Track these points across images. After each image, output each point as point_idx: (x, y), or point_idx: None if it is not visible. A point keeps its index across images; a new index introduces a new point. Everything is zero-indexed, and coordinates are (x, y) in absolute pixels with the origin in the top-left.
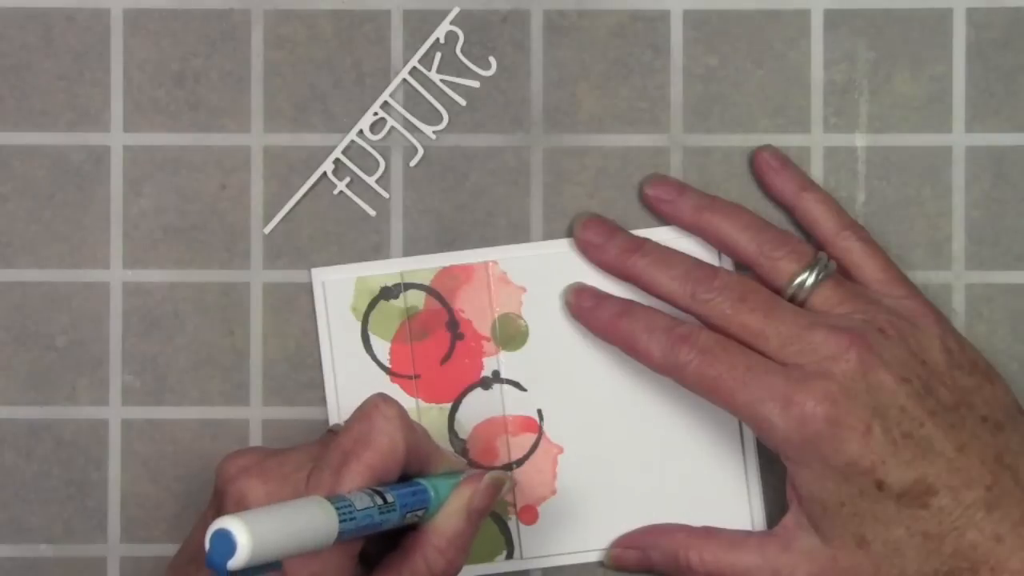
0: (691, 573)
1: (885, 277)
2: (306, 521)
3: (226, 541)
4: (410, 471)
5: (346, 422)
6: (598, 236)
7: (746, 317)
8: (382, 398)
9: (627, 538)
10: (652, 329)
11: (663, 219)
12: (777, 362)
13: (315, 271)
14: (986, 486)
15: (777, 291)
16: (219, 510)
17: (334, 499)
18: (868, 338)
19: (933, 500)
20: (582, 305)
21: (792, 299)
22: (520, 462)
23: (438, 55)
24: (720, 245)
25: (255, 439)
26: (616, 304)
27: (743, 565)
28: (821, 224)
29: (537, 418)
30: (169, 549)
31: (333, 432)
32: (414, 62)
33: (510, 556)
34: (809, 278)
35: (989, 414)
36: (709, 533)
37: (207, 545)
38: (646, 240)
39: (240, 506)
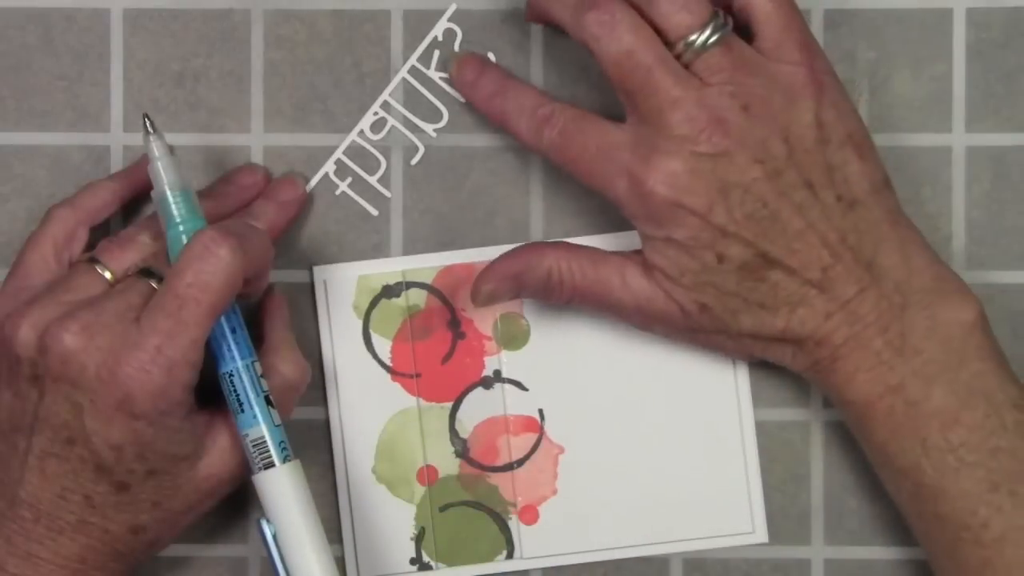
0: (561, 289)
1: (782, 38)
2: None
3: None
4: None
5: (175, 264)
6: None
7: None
8: (211, 238)
9: (499, 268)
10: (520, 109)
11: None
12: (639, 125)
13: (316, 269)
14: (823, 267)
15: (667, 46)
16: (36, 378)
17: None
18: (726, 121)
19: (770, 274)
20: (464, 79)
21: (679, 58)
22: (521, 462)
23: (436, 53)
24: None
25: None
26: (493, 81)
27: (608, 285)
28: None
29: (538, 418)
30: (173, 549)
31: (133, 278)
32: (413, 60)
33: (510, 556)
34: (699, 38)
35: (845, 192)
36: (574, 247)
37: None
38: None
39: (68, 367)
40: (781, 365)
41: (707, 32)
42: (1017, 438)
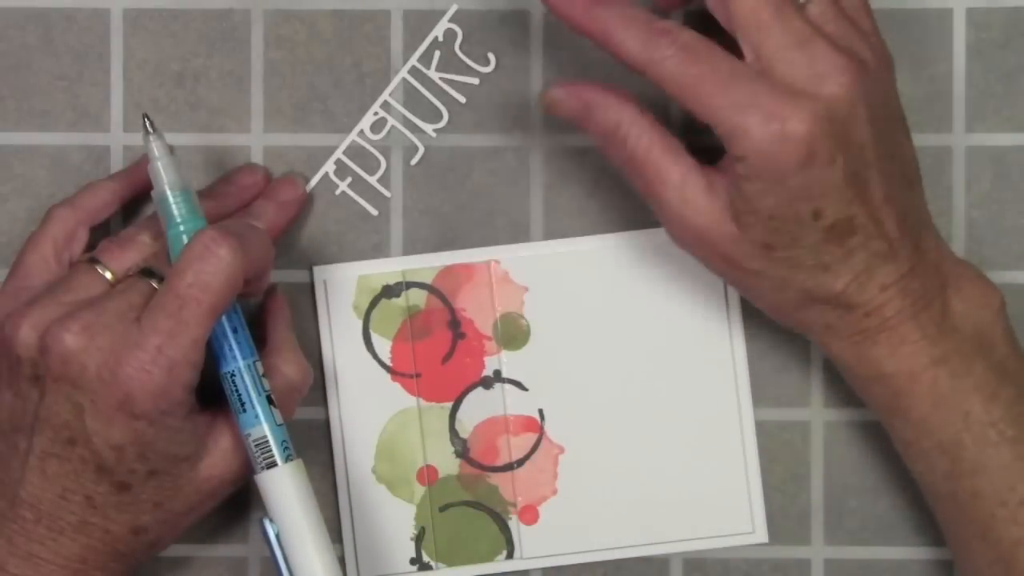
0: (621, 149)
1: (860, 7)
2: None
3: None
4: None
5: (175, 264)
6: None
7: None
8: (211, 238)
9: (580, 87)
10: (629, 21)
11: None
12: (765, 69)
13: (316, 269)
14: (891, 239)
15: None
16: (37, 378)
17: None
18: (853, 69)
19: (850, 240)
20: None
21: None
22: (521, 462)
23: (437, 53)
24: None
25: None
26: None
27: (665, 175)
28: None
29: (538, 418)
30: (173, 549)
31: (133, 278)
32: (413, 60)
33: (510, 556)
34: None
35: (906, 172)
36: (654, 123)
37: None
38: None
39: (69, 367)
40: (803, 332)
41: None
42: None
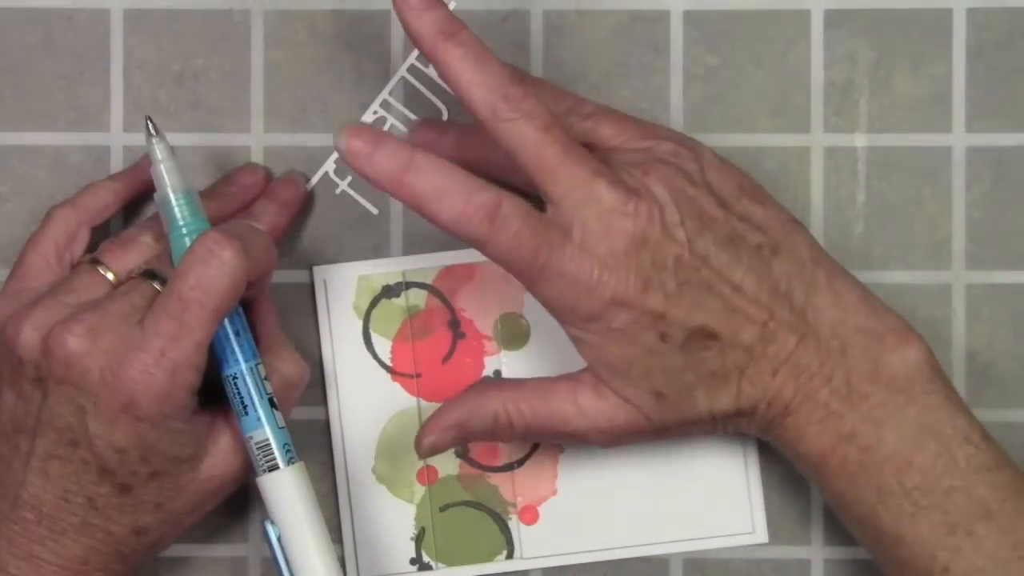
0: (511, 430)
1: (624, 135)
2: None
3: None
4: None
5: (178, 267)
6: (417, 4)
7: (544, 150)
8: (214, 241)
9: (440, 419)
10: (443, 192)
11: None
12: (560, 209)
13: (316, 269)
14: (762, 323)
15: None
16: (40, 380)
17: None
18: (640, 193)
19: (714, 343)
20: (357, 150)
21: None
22: (521, 462)
23: None
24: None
25: None
26: (399, 153)
27: (562, 416)
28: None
29: None
30: (173, 549)
31: (136, 280)
32: (412, 59)
33: (510, 556)
34: None
35: (765, 240)
36: (519, 385)
37: None
38: (466, 29)
39: (72, 369)
40: (741, 432)
41: None
42: (969, 474)
